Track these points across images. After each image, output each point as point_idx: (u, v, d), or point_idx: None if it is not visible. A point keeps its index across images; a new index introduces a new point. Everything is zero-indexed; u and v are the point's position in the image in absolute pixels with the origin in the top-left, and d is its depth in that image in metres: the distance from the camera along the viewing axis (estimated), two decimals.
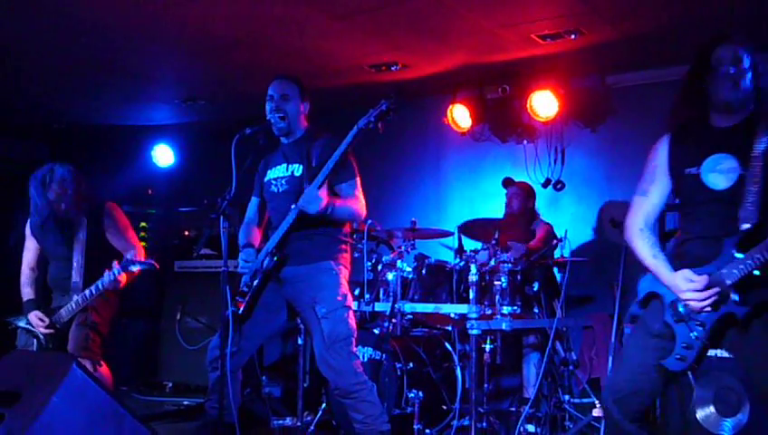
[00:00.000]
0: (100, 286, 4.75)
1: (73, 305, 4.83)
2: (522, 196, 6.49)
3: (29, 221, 5.14)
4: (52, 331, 4.90)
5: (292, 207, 4.00)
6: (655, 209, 3.37)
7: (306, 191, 3.93)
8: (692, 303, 3.08)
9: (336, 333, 4.03)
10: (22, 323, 5.03)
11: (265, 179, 4.39)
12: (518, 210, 6.44)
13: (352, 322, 4.14)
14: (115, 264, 4.73)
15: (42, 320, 4.91)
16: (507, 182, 6.62)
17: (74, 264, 4.92)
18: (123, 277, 4.81)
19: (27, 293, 5.10)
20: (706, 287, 3.04)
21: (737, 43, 3.19)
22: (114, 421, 3.49)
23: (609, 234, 6.53)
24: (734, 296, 3.01)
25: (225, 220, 3.87)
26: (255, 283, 4.15)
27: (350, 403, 4.08)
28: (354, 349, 4.13)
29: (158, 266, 4.86)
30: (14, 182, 8.39)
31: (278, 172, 4.31)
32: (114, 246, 4.99)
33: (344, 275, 4.21)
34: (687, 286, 3.08)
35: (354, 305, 4.42)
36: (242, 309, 4.12)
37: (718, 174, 3.14)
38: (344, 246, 4.28)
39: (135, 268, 4.76)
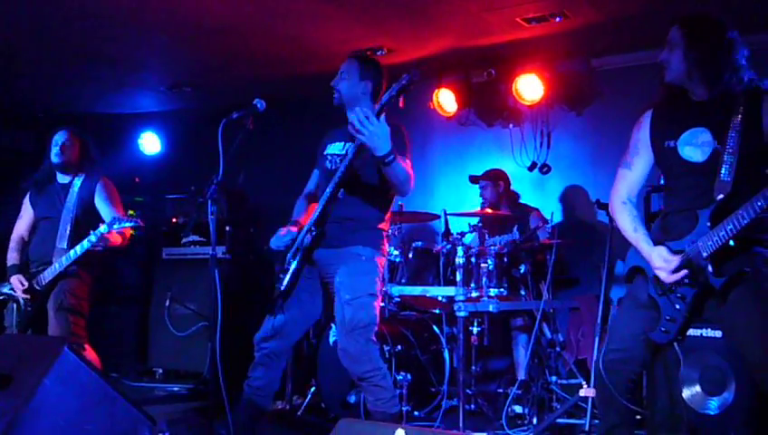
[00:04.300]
0: (86, 244, 4.80)
1: (57, 266, 4.89)
2: (491, 185, 6.47)
3: (30, 191, 5.30)
4: (28, 296, 4.96)
5: (359, 135, 3.73)
6: (638, 182, 3.44)
7: (376, 125, 3.69)
8: (662, 278, 3.16)
9: (356, 319, 3.98)
10: (5, 289, 5.09)
11: (324, 153, 4.35)
12: (493, 199, 6.43)
13: (376, 310, 4.06)
14: (100, 225, 4.81)
15: (21, 283, 4.97)
16: (473, 179, 6.62)
17: (60, 229, 4.99)
18: (112, 236, 4.86)
19: (13, 258, 5.19)
20: (680, 266, 3.11)
21: (677, 22, 3.29)
22: (106, 404, 3.51)
23: (595, 216, 6.59)
24: (709, 268, 3.07)
25: (213, 205, 3.86)
26: (297, 260, 4.13)
27: (363, 385, 4.07)
28: (373, 337, 4.06)
29: (142, 223, 4.90)
30: (1, 171, 8.39)
31: (335, 149, 4.29)
32: (101, 214, 5.06)
33: (377, 261, 4.14)
34: (660, 264, 3.16)
35: None
36: (284, 285, 4.11)
37: (694, 147, 3.20)
38: (380, 232, 4.21)
39: (120, 226, 4.81)
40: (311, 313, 4.30)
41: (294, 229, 4.26)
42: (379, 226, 4.22)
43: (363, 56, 4.37)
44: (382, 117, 3.80)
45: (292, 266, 4.13)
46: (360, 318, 3.99)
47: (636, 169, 3.42)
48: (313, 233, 4.11)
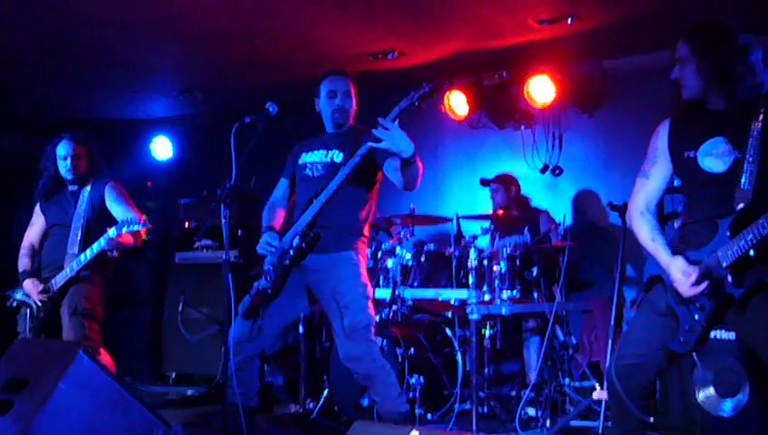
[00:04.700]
0: (95, 248, 4.82)
1: (68, 271, 4.90)
2: (502, 188, 6.51)
3: (40, 200, 5.29)
4: (45, 297, 4.97)
5: (370, 143, 3.90)
6: (656, 191, 3.40)
7: (394, 131, 3.81)
8: (681, 290, 3.14)
9: (356, 322, 4.09)
10: (18, 296, 5.10)
11: (300, 162, 4.43)
12: (504, 202, 6.47)
13: (371, 311, 4.19)
14: (108, 229, 4.82)
15: (35, 285, 4.99)
16: (483, 182, 6.65)
17: (71, 234, 5.01)
18: (123, 238, 4.87)
19: (24, 264, 5.20)
20: (699, 278, 3.08)
21: (681, 35, 3.25)
22: (121, 408, 3.52)
23: (608, 218, 6.57)
24: (729, 278, 3.04)
25: (226, 209, 3.87)
26: (287, 262, 4.16)
27: (371, 385, 4.17)
28: (372, 336, 4.17)
29: (151, 226, 4.91)
30: (14, 178, 8.43)
31: (316, 157, 4.37)
32: (114, 216, 5.05)
33: (363, 264, 4.26)
34: (679, 277, 3.13)
35: None
36: (271, 289, 4.15)
37: (714, 158, 3.16)
38: (364, 238, 4.32)
39: (129, 228, 4.81)
40: (288, 315, 4.40)
41: (276, 234, 4.32)
42: (363, 230, 4.32)
43: (349, 73, 4.48)
44: (396, 122, 3.89)
45: (281, 270, 4.17)
46: (359, 320, 4.10)
47: (654, 179, 3.38)
48: (308, 237, 4.15)
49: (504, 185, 6.52)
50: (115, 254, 4.94)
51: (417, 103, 3.98)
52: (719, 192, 3.14)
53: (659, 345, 3.24)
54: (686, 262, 3.14)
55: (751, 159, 3.05)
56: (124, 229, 4.81)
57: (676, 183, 3.47)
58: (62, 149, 5.15)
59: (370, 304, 4.20)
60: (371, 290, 4.27)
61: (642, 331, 3.35)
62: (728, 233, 3.05)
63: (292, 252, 4.17)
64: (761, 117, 3.08)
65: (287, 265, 4.17)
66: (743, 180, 3.06)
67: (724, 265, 3.04)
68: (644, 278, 3.41)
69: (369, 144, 3.89)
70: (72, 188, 5.21)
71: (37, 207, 5.33)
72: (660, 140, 3.37)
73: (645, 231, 3.34)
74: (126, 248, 5.00)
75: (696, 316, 3.14)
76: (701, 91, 3.21)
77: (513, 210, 6.34)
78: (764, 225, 2.93)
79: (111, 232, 4.80)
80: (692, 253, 3.17)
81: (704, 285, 3.08)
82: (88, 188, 5.15)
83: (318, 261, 4.18)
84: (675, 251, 3.23)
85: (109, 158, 5.53)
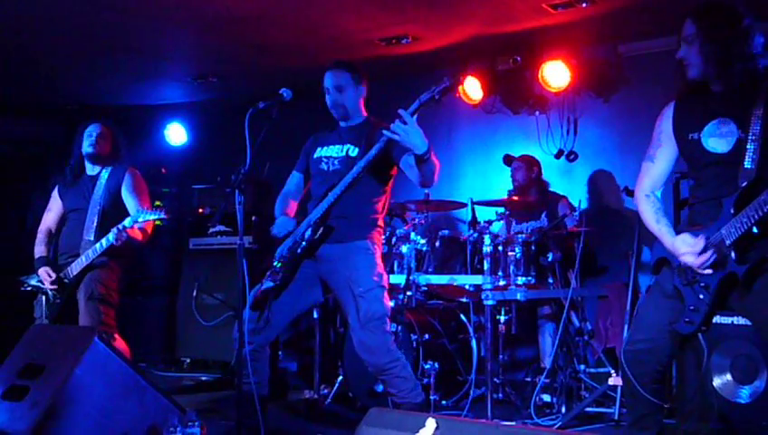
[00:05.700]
0: (110, 238, 4.82)
1: (83, 259, 4.92)
2: (524, 168, 6.51)
3: (58, 184, 5.32)
4: (56, 287, 5.01)
5: (387, 133, 3.83)
6: (662, 175, 3.41)
7: (411, 126, 3.75)
8: (690, 262, 3.12)
9: (371, 311, 4.07)
10: (33, 281, 5.14)
11: (315, 156, 4.42)
12: (524, 181, 6.47)
13: (387, 301, 4.17)
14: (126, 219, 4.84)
15: (49, 275, 5.02)
16: (507, 159, 6.66)
17: (87, 221, 5.02)
18: (134, 231, 4.88)
19: (40, 251, 5.22)
20: (704, 249, 3.08)
21: (688, 15, 3.24)
22: (136, 393, 3.54)
23: (623, 203, 6.54)
24: (732, 255, 3.04)
25: (240, 194, 3.87)
26: (298, 253, 4.17)
27: (385, 379, 4.15)
28: (388, 327, 4.15)
29: (167, 216, 4.89)
30: (29, 164, 8.47)
31: (331, 151, 4.36)
32: (127, 207, 5.07)
33: (379, 254, 4.25)
34: (685, 249, 3.13)
35: None
36: (278, 280, 4.14)
37: (718, 138, 3.17)
38: (379, 229, 4.31)
39: (144, 219, 4.82)
40: (300, 306, 4.36)
41: (292, 219, 4.33)
42: (379, 221, 4.31)
43: (347, 63, 4.42)
44: (415, 117, 3.84)
45: (291, 260, 4.17)
46: (374, 310, 4.08)
47: (659, 162, 3.39)
48: (320, 230, 4.15)
49: (528, 164, 6.52)
50: (118, 244, 4.86)
51: (437, 97, 3.93)
52: (723, 172, 3.15)
53: (668, 329, 3.24)
54: (691, 235, 3.15)
55: (753, 137, 3.06)
56: (140, 219, 4.81)
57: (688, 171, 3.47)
58: (92, 128, 5.23)
59: (386, 295, 4.18)
60: (387, 280, 4.25)
61: (651, 315, 3.35)
62: (732, 211, 3.05)
63: (304, 243, 4.17)
64: (763, 97, 3.08)
65: (298, 255, 4.18)
66: (746, 159, 3.06)
67: (728, 242, 3.04)
68: (652, 261, 3.41)
69: (385, 135, 3.86)
70: (90, 172, 5.23)
71: (55, 192, 5.34)
72: (665, 123, 3.37)
73: (650, 214, 3.36)
74: (134, 243, 4.96)
75: (701, 295, 3.13)
76: (704, 71, 3.21)
77: (532, 193, 6.33)
78: (766, 200, 2.93)
79: (127, 221, 4.82)
80: (694, 233, 3.16)
81: (710, 252, 3.07)
82: (106, 173, 5.16)
83: (332, 251, 4.17)
84: (681, 232, 3.22)
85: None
